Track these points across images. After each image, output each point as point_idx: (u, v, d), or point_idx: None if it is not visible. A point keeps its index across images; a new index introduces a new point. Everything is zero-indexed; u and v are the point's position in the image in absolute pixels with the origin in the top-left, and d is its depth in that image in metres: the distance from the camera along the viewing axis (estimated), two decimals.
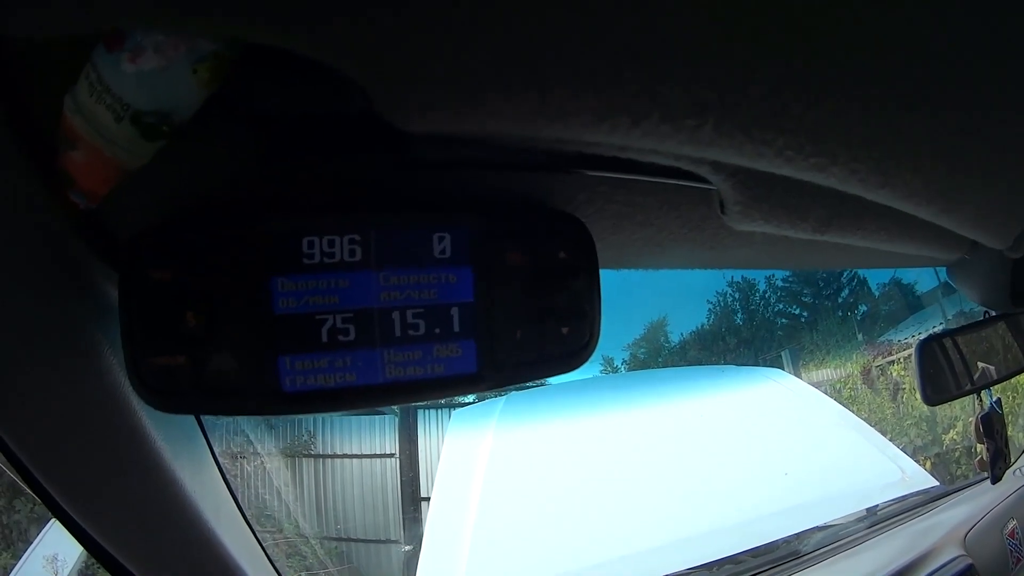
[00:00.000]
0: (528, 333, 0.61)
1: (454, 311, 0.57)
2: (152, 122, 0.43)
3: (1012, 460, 1.65)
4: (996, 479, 1.55)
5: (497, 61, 0.41)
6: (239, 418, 5.94)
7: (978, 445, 1.54)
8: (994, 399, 1.49)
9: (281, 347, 0.53)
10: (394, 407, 7.02)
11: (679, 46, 0.43)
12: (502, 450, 3.14)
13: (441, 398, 0.58)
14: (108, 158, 0.45)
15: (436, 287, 0.56)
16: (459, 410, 5.07)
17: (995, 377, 1.39)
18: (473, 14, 0.38)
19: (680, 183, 0.62)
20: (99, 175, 0.46)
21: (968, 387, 1.38)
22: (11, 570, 4.74)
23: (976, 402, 1.48)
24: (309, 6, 0.36)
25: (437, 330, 0.56)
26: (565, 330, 0.62)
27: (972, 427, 1.52)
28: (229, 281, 0.52)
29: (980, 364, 1.38)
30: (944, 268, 1.26)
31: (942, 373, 1.35)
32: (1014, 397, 5.22)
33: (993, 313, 1.33)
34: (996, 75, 0.55)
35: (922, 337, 1.40)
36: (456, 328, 0.57)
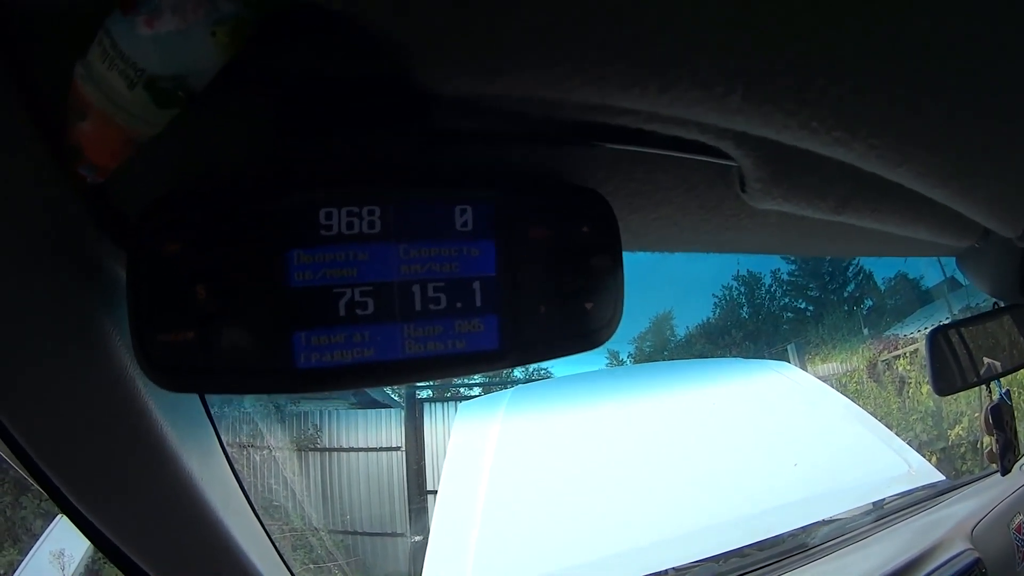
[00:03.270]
0: (552, 309, 0.60)
1: (476, 285, 0.56)
2: (167, 87, 0.42)
3: (1022, 452, 1.64)
4: (1006, 471, 1.55)
5: (537, 23, 0.41)
6: (247, 410, 5.95)
7: (987, 437, 1.54)
8: (1004, 390, 1.48)
9: (296, 322, 0.51)
10: (400, 399, 7.06)
11: (712, 18, 0.43)
12: (509, 442, 3.15)
13: (463, 376, 0.57)
14: (119, 127, 0.43)
15: (457, 260, 0.55)
16: (466, 402, 5.08)
17: (1004, 368, 1.39)
18: None
19: (701, 158, 0.62)
20: (109, 146, 0.45)
21: (978, 377, 1.37)
22: (18, 566, 4.77)
23: (985, 394, 1.48)
24: None
25: (459, 304, 0.55)
26: (589, 306, 0.61)
27: (981, 419, 1.52)
28: (243, 254, 0.50)
29: (989, 355, 1.38)
30: (953, 260, 1.26)
31: (952, 363, 1.34)
32: (1020, 393, 5.22)
33: (1002, 304, 1.33)
34: (1015, 62, 0.55)
35: (932, 328, 1.39)
36: (478, 303, 0.56)
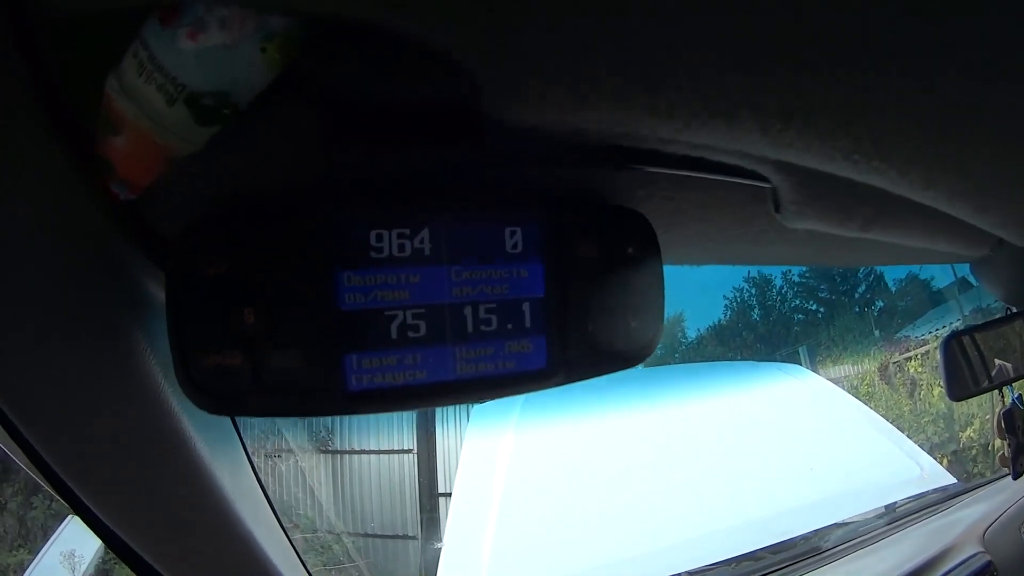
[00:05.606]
0: (598, 328, 0.60)
1: (526, 306, 0.56)
2: (209, 104, 0.40)
3: None
4: (1018, 474, 1.54)
5: (617, 63, 0.41)
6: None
7: (999, 441, 1.54)
8: (1016, 395, 1.48)
9: (347, 344, 0.51)
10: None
11: (777, 58, 0.44)
12: (522, 447, 3.15)
13: (511, 395, 0.57)
14: (155, 144, 0.41)
15: (508, 282, 0.56)
16: (479, 406, 5.05)
17: (1017, 372, 1.39)
18: (598, 14, 0.38)
19: (741, 181, 0.63)
20: (144, 163, 0.43)
21: (992, 382, 1.37)
22: (28, 565, 4.76)
23: (998, 397, 1.48)
24: None
25: (509, 326, 0.56)
26: (634, 323, 0.62)
27: (994, 423, 1.52)
28: (291, 275, 0.50)
29: (1001, 360, 1.38)
30: (966, 264, 1.27)
31: (966, 369, 1.35)
32: None
33: (1014, 310, 1.33)
34: None
35: (945, 334, 1.40)
36: (527, 324, 0.56)
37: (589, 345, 0.60)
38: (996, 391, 1.43)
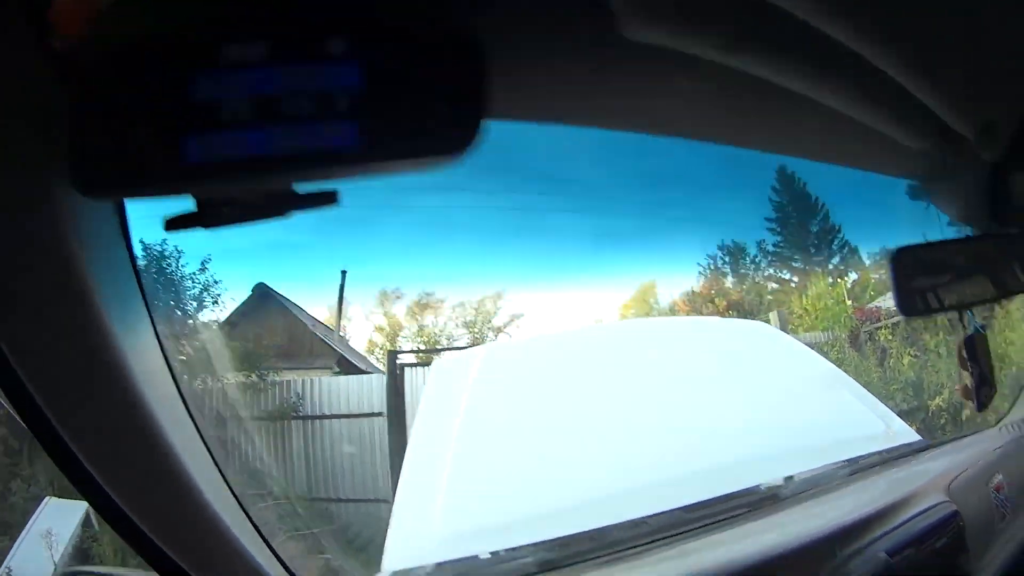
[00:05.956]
0: (414, 113, 0.67)
1: (342, 95, 0.64)
2: None
3: (997, 390, 1.61)
4: (982, 406, 1.52)
5: None
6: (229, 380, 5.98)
7: (963, 372, 1.51)
8: (977, 323, 1.45)
9: (189, 128, 0.62)
10: (381, 366, 7.13)
11: None
12: (484, 388, 3.17)
13: (327, 177, 0.71)
14: None
15: (326, 75, 0.64)
16: (443, 355, 5.12)
17: (971, 299, 1.35)
18: None
19: None
20: (79, 12, 0.60)
21: (947, 304, 1.33)
22: (9, 549, 4.85)
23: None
24: None
25: (327, 112, 0.64)
26: (452, 111, 0.67)
27: (956, 352, 1.49)
28: (153, 77, 0.62)
29: (961, 283, 1.34)
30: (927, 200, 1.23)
31: (920, 287, 1.30)
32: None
33: (974, 232, 1.29)
34: None
35: (896, 248, 1.34)
36: (344, 109, 0.64)
37: (404, 128, 0.67)
38: (958, 321, 1.41)
